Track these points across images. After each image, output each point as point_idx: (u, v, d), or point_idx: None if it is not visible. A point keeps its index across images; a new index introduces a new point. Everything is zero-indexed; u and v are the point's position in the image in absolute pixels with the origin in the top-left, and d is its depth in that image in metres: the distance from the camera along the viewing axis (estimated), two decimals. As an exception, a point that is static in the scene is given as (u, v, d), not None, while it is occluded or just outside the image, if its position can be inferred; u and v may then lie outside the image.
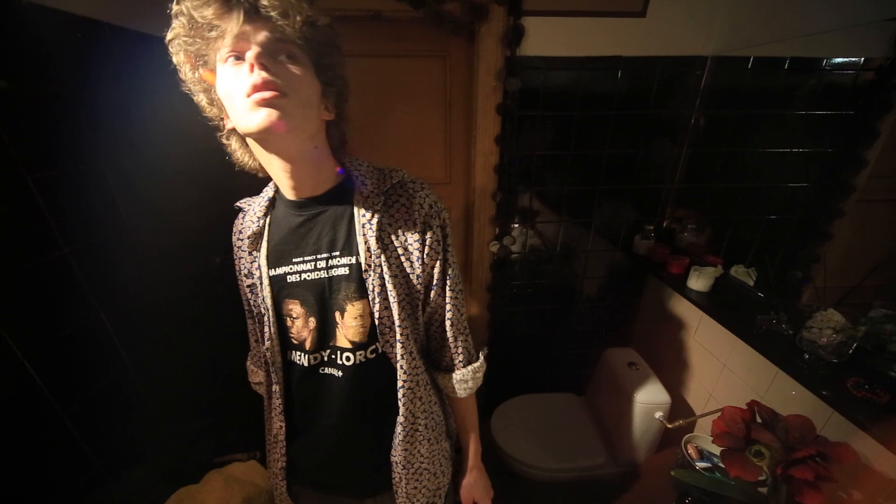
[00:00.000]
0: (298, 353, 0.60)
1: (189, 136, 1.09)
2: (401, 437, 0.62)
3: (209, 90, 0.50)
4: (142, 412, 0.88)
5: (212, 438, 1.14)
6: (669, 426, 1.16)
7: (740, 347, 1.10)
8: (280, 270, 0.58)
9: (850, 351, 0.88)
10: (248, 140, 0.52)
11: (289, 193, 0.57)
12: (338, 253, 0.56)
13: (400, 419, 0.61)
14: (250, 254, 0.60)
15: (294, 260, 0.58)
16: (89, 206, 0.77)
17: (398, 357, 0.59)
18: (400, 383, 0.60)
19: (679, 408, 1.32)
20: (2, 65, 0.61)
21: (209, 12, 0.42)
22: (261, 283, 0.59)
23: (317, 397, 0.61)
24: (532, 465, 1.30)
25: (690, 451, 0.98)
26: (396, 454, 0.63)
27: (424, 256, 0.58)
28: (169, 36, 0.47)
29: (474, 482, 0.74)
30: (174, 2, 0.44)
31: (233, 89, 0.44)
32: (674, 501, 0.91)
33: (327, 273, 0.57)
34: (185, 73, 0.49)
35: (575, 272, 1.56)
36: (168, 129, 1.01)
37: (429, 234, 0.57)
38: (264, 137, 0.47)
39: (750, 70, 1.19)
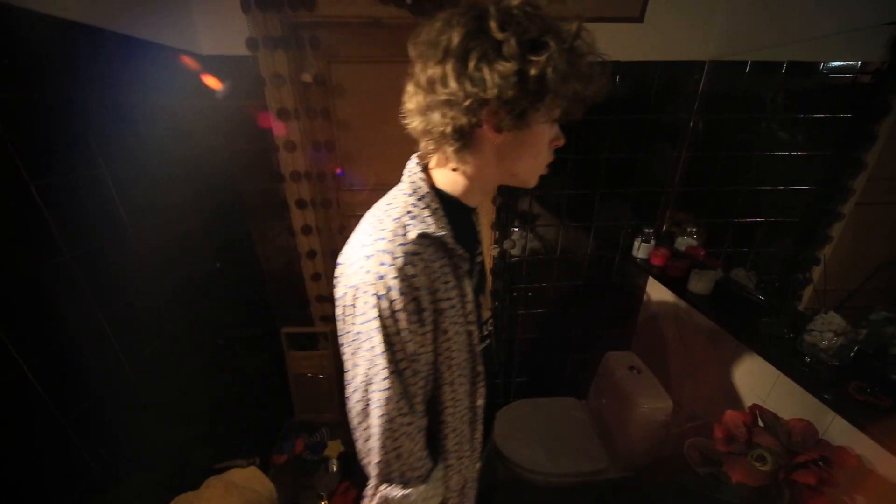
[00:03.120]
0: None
1: (188, 140, 1.10)
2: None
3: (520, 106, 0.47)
4: (141, 418, 0.88)
5: (211, 444, 1.14)
6: (671, 430, 1.15)
7: (741, 351, 1.10)
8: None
9: (852, 354, 0.87)
10: (493, 165, 0.53)
11: (469, 202, 0.58)
12: (479, 245, 0.66)
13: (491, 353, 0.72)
14: (459, 278, 0.52)
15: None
16: (91, 212, 0.77)
17: (491, 312, 0.71)
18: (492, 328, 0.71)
19: (681, 411, 1.31)
20: (4, 72, 0.62)
21: (589, 93, 0.47)
22: (465, 301, 0.54)
23: (483, 366, 0.63)
24: (534, 469, 1.29)
25: (693, 455, 0.98)
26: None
27: None
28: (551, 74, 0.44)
29: None
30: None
31: (542, 152, 0.54)
32: (676, 507, 0.90)
33: (476, 263, 0.63)
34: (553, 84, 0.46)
35: (575, 276, 1.56)
36: (167, 133, 1.01)
37: None
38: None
39: (748, 74, 1.20)
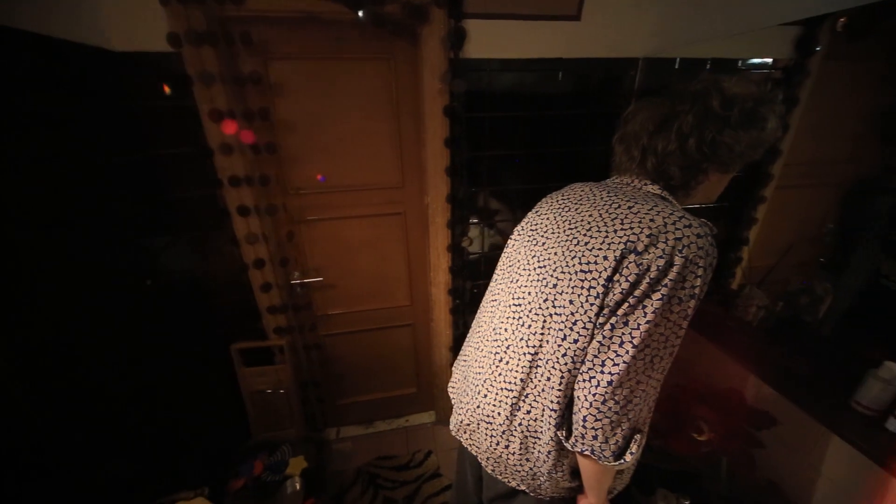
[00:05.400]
0: None
1: (101, 147, 0.99)
2: None
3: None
4: (71, 456, 0.79)
5: (154, 478, 1.04)
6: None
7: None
8: None
9: (772, 324, 0.96)
10: (699, 194, 0.66)
11: None
12: None
13: None
14: None
15: None
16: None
17: None
18: None
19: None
20: None
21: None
22: None
23: None
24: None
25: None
26: None
27: None
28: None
29: None
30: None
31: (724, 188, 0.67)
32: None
33: None
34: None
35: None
36: (75, 140, 0.91)
37: None
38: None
39: (677, 70, 1.27)
